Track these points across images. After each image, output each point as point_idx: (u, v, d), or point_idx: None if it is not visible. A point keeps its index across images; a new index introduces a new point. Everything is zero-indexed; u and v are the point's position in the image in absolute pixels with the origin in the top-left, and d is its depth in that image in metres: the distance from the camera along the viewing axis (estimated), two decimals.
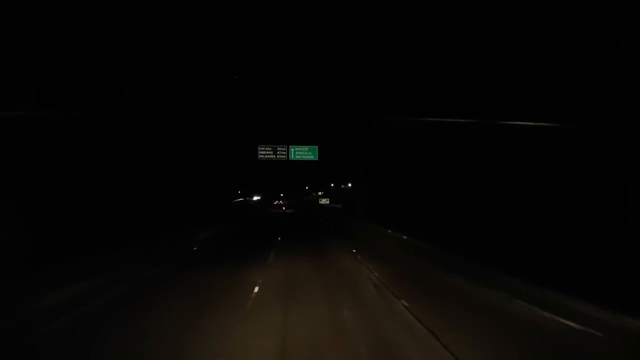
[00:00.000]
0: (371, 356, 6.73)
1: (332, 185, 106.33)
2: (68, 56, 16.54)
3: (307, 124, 43.99)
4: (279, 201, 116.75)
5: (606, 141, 13.26)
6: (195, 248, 20.27)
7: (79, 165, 17.65)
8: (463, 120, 17.18)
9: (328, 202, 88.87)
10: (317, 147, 43.01)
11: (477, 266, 12.69)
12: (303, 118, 43.97)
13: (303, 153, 42.89)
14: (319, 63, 42.47)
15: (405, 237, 21.66)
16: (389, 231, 24.79)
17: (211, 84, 40.58)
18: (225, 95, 42.76)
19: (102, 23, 17.52)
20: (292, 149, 42.81)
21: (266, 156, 42.83)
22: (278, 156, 42.79)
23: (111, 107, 20.37)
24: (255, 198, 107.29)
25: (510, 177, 17.29)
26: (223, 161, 44.72)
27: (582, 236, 12.27)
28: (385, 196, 41.59)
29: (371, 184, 43.77)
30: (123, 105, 21.51)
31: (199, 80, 37.92)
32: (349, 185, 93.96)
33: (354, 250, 19.35)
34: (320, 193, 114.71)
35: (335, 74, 42.14)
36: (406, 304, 9.74)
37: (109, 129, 19.64)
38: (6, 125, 12.64)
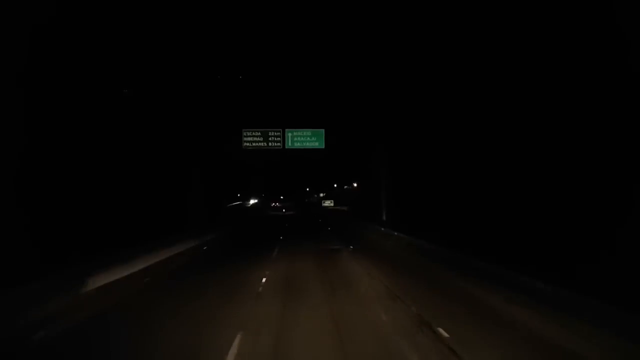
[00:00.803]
0: None
1: (335, 186, 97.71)
2: None
3: (309, 103, 31.65)
4: (276, 203, 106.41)
5: None
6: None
7: None
8: None
9: (332, 204, 76.99)
10: (323, 130, 30.81)
11: None
12: (303, 96, 31.67)
13: (304, 139, 30.64)
14: (323, 27, 30.27)
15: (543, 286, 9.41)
16: (483, 263, 12.50)
17: (186, 57, 28.40)
18: (203, 70, 30.46)
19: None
20: (290, 135, 30.57)
21: (254, 144, 30.56)
22: (270, 144, 30.52)
23: None
24: (252, 202, 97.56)
25: None
26: (197, 151, 32.04)
27: None
28: (411, 197, 29.40)
29: (394, 182, 31.47)
30: None
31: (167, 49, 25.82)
32: (354, 185, 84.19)
33: (443, 329, 7.34)
34: (322, 195, 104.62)
35: (344, 41, 29.96)
36: None
37: None
38: None
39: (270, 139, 30.49)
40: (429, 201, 27.65)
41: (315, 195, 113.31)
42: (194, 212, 30.33)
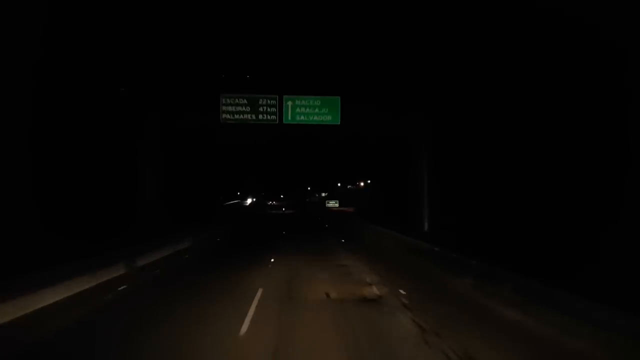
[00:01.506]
0: None
1: (339, 185, 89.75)
2: None
3: (318, 58, 21.44)
4: (273, 202, 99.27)
5: None
6: None
7: None
8: None
9: (337, 204, 67.51)
10: (338, 99, 20.66)
11: None
12: (310, 48, 21.50)
13: (311, 111, 20.43)
14: None
15: None
16: None
17: None
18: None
19: None
20: (290, 104, 20.42)
21: (237, 116, 20.36)
22: (262, 117, 20.36)
23: None
24: (249, 200, 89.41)
25: None
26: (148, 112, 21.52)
27: None
28: (461, 199, 19.41)
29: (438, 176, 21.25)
30: None
31: None
32: (361, 184, 75.99)
33: None
34: (324, 194, 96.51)
35: None
36: None
37: None
38: None
39: (261, 109, 20.36)
40: (490, 204, 17.66)
41: (317, 195, 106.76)
42: (146, 211, 20.06)
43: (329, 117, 20.40)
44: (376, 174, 40.68)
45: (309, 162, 60.77)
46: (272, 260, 15.64)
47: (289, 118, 20.28)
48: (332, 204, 69.40)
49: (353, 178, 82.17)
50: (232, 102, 20.10)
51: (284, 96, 20.22)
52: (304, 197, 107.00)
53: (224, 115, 20.11)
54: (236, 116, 20.13)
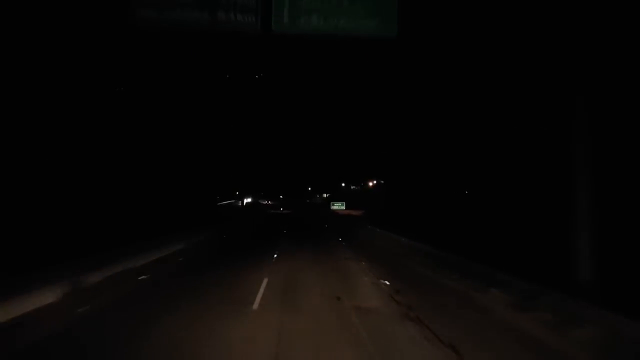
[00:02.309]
0: None
1: (343, 185, 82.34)
2: None
3: None
4: (268, 201, 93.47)
5: None
6: None
7: None
8: None
9: (344, 207, 57.98)
10: None
11: None
12: None
13: (334, 7, 9.43)
14: None
15: None
16: None
17: None
18: None
19: None
20: None
21: (170, 14, 8.99)
22: (225, 17, 9.16)
23: None
24: (246, 200, 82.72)
25: None
26: None
27: None
28: None
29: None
30: None
31: None
32: (370, 184, 69.21)
33: None
34: (325, 195, 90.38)
35: None
36: None
37: None
38: None
39: (223, 0, 9.31)
40: None
41: (317, 196, 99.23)
42: None
43: (372, 23, 9.13)
44: (398, 169, 29.71)
45: (314, 143, 50.05)
46: None
47: (285, 21, 9.00)
48: (338, 205, 59.16)
49: (359, 178, 74.20)
50: None
51: None
52: (304, 197, 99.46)
53: (140, 12, 8.93)
54: (167, 14, 8.94)
